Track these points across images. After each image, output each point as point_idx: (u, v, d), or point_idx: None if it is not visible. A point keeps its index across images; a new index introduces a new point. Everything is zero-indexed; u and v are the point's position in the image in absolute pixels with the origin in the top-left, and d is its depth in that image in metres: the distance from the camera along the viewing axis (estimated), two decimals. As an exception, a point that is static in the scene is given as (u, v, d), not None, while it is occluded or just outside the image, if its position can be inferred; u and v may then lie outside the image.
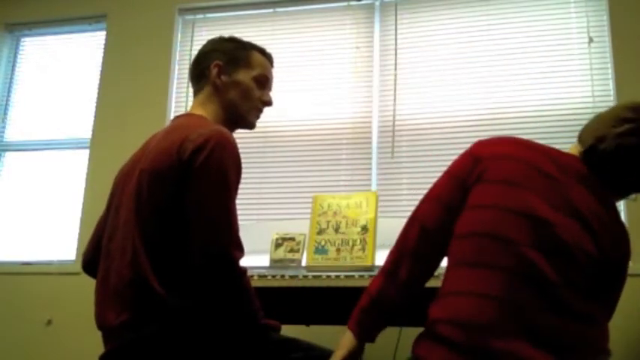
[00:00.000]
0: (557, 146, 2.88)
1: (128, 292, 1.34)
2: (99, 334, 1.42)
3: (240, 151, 1.44)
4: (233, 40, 1.67)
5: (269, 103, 1.67)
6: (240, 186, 1.45)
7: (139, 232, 1.37)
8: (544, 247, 1.15)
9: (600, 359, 1.15)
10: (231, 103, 1.59)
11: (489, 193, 1.21)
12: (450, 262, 1.25)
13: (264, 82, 1.65)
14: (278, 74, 1.83)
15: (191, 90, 3.17)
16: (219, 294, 1.33)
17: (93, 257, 1.56)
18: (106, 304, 1.39)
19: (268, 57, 1.68)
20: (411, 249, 1.30)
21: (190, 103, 3.34)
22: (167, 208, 1.36)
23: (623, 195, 1.35)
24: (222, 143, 1.37)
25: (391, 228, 2.25)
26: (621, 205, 2.60)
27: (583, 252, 1.18)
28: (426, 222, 1.30)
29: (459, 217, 1.25)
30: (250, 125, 1.66)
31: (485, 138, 1.35)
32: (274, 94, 1.72)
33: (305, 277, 1.93)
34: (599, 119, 1.35)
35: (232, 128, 1.61)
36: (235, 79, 1.60)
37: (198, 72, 1.64)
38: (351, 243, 2.10)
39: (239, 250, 1.35)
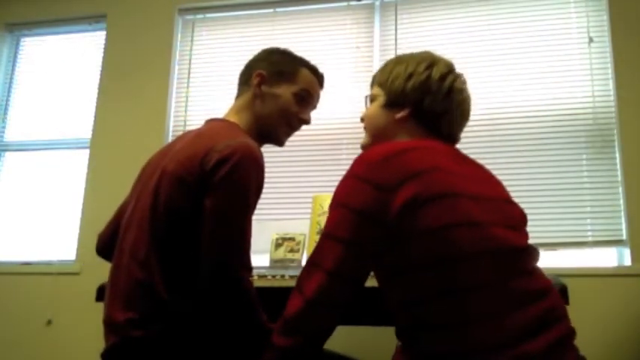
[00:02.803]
0: (556, 147, 2.88)
1: (136, 294, 1.34)
2: (99, 334, 1.42)
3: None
4: (284, 53, 1.65)
5: (306, 122, 1.63)
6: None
7: (151, 233, 1.36)
8: (491, 249, 1.09)
9: (567, 324, 1.11)
10: (264, 115, 1.57)
11: (432, 215, 1.08)
12: (424, 294, 1.08)
13: (306, 98, 1.61)
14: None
15: (191, 90, 3.22)
16: (223, 309, 1.32)
17: (108, 240, 1.55)
18: (114, 301, 1.39)
19: (318, 76, 1.66)
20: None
21: (190, 104, 3.35)
22: (182, 213, 1.34)
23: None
24: (248, 158, 1.34)
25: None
26: (620, 200, 2.60)
27: (520, 232, 1.17)
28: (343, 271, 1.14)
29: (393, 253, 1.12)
30: (279, 142, 1.63)
31: (369, 157, 1.23)
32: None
33: (305, 277, 1.93)
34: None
35: (261, 142, 1.60)
36: (275, 91, 1.58)
37: (244, 78, 1.63)
38: (350, 243, 2.09)
39: (247, 270, 1.34)
